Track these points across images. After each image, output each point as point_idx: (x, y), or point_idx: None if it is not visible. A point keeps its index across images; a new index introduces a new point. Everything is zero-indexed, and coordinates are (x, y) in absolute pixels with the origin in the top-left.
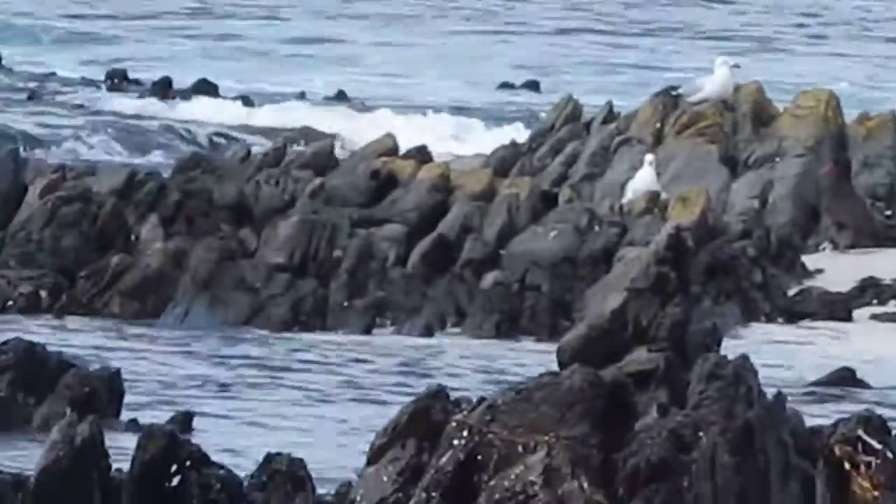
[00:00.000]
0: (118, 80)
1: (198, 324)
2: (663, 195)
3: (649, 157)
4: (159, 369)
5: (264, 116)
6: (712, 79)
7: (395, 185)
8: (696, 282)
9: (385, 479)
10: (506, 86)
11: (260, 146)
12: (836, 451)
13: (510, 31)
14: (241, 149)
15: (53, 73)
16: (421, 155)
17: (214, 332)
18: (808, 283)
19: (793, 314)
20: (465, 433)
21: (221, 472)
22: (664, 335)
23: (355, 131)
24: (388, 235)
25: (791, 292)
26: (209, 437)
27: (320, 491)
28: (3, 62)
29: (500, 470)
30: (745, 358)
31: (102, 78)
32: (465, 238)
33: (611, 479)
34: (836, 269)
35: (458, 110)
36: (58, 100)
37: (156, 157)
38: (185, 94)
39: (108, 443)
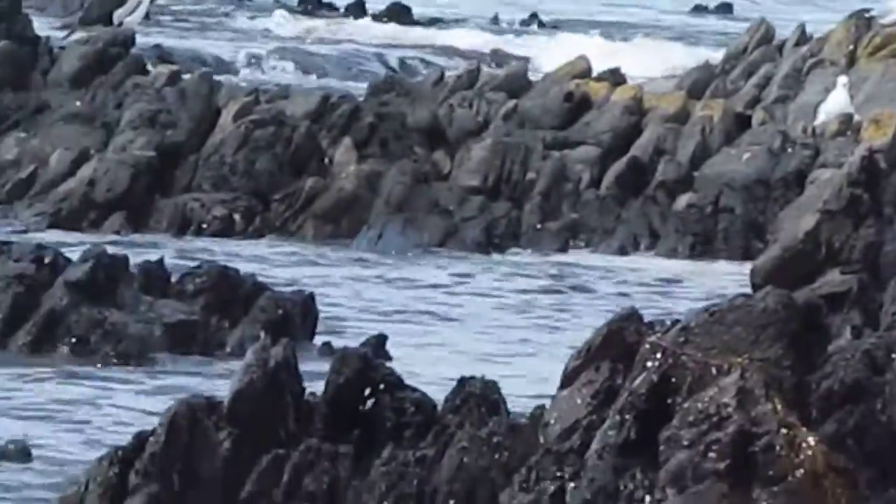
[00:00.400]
0: (312, 4)
1: (391, 246)
2: (856, 117)
3: (842, 78)
4: (353, 292)
5: (458, 39)
6: None
7: (588, 107)
8: (888, 203)
9: (579, 401)
10: (699, 8)
11: (453, 69)
12: None
13: None
14: (435, 72)
15: None
16: (614, 77)
17: (408, 254)
18: None
19: None
20: (658, 355)
21: (415, 395)
22: (857, 257)
23: (548, 53)
24: (582, 157)
25: None
26: (403, 360)
27: (514, 414)
28: None
29: (693, 392)
30: None
31: (296, 2)
32: (659, 160)
33: (804, 401)
34: None
35: (651, 32)
36: (251, 24)
37: (349, 81)
38: (379, 18)
39: (301, 366)
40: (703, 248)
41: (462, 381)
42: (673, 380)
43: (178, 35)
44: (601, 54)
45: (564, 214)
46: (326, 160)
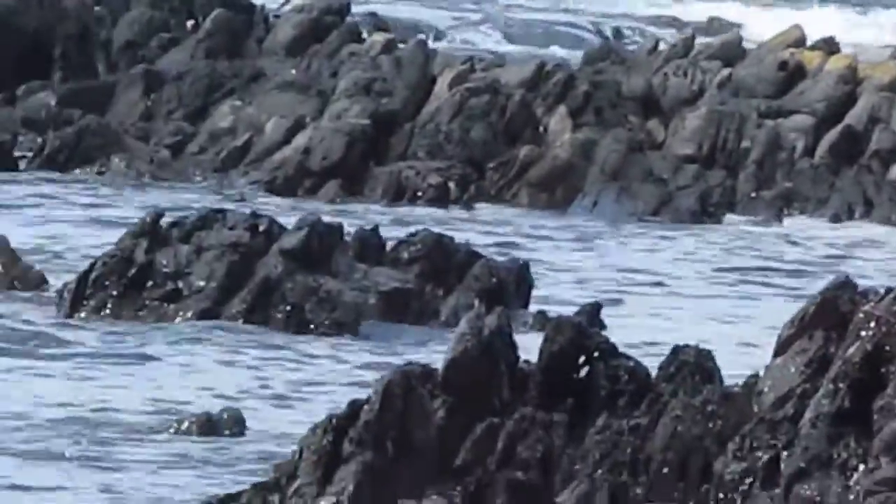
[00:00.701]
0: None
1: (606, 215)
2: None
3: None
4: (567, 260)
5: (672, 8)
6: None
7: (802, 75)
8: None
9: (792, 370)
10: None
11: (668, 38)
12: None
13: None
14: (650, 40)
15: None
16: (829, 46)
17: (622, 222)
18: None
19: None
20: (872, 324)
21: (629, 363)
22: None
23: (761, 22)
24: (796, 126)
25: None
26: (616, 329)
27: (727, 382)
28: None
29: None
30: None
31: None
32: (873, 129)
33: None
34: None
35: (866, 2)
36: None
37: (562, 50)
38: None
39: (515, 334)
40: None
41: (676, 350)
42: (887, 348)
43: (393, 3)
44: (816, 23)
45: (778, 183)
46: (541, 128)
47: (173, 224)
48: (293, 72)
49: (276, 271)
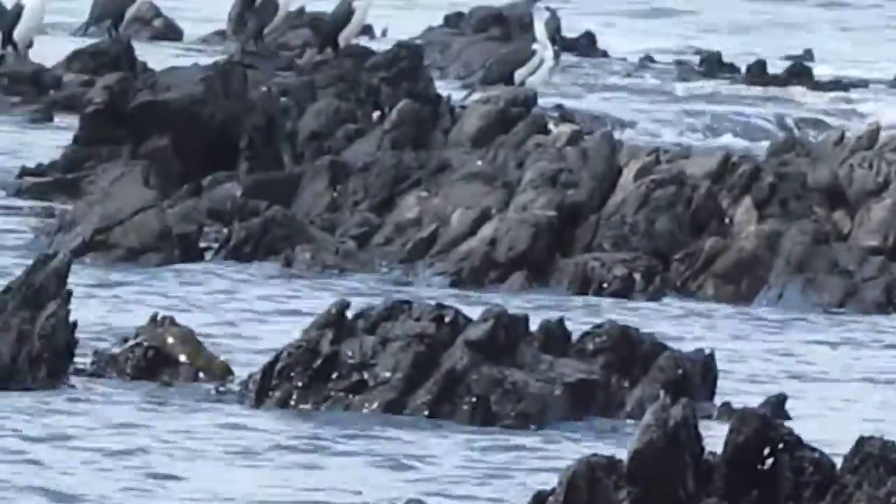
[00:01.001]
0: (713, 65)
1: (792, 306)
2: None
3: None
4: (753, 352)
5: (858, 100)
6: None
7: None
8: None
9: None
10: None
11: (854, 130)
12: None
13: None
14: (836, 132)
15: (648, 57)
16: None
17: (808, 315)
18: None
19: None
20: None
21: (814, 454)
22: None
23: None
24: None
25: None
26: (802, 420)
27: None
28: (598, 44)
29: None
30: None
31: (697, 62)
32: None
33: None
34: None
35: None
36: (650, 83)
37: (746, 141)
38: (779, 80)
39: (701, 426)
40: None
41: (860, 441)
42: None
43: (578, 95)
44: None
45: None
46: (726, 220)
47: (359, 315)
48: (479, 163)
49: (462, 363)
